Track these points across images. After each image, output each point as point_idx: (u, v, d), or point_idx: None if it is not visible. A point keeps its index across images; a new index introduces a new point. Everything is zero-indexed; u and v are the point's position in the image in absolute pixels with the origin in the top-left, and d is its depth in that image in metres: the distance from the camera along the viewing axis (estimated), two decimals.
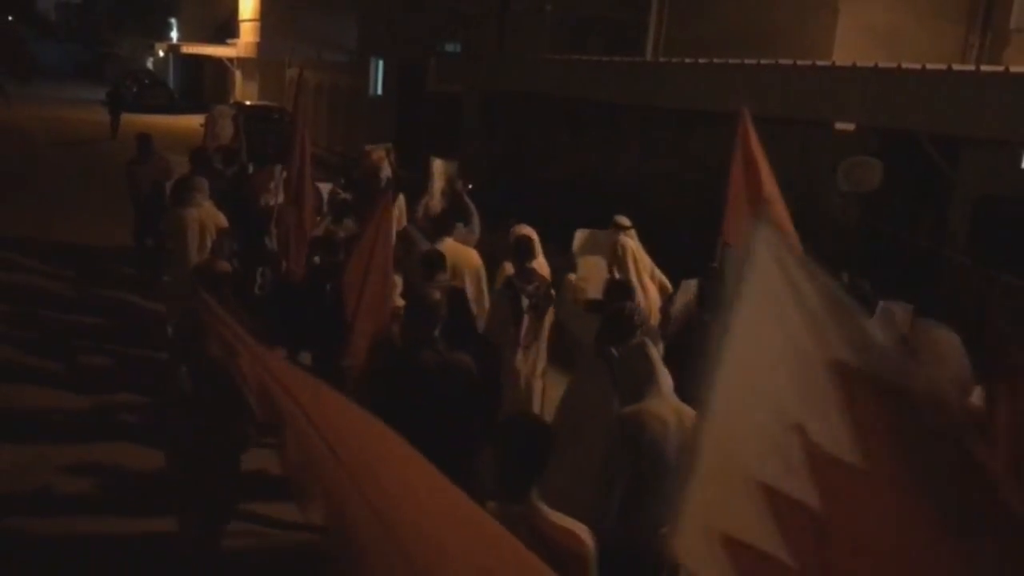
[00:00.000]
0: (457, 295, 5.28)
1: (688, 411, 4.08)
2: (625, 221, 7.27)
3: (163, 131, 22.07)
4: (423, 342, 4.82)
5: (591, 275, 6.72)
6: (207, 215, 7.89)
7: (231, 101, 33.69)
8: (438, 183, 10.07)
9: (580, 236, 7.46)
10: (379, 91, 29.04)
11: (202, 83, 45.42)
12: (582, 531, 3.13)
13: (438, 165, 10.41)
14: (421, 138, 22.45)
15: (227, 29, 43.77)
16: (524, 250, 6.17)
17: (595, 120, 16.30)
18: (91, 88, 46.65)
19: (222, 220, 7.93)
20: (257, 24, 39.15)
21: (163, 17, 52.60)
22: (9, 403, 7.51)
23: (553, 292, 6.14)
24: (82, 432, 7.14)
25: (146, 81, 43.40)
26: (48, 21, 45.03)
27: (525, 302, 5.73)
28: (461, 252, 6.82)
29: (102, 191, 14.66)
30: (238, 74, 41.29)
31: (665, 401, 4.18)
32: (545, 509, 3.10)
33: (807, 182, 11.71)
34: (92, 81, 53.15)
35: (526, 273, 5.99)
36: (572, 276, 6.68)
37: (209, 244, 7.42)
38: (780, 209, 6.06)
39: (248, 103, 31.83)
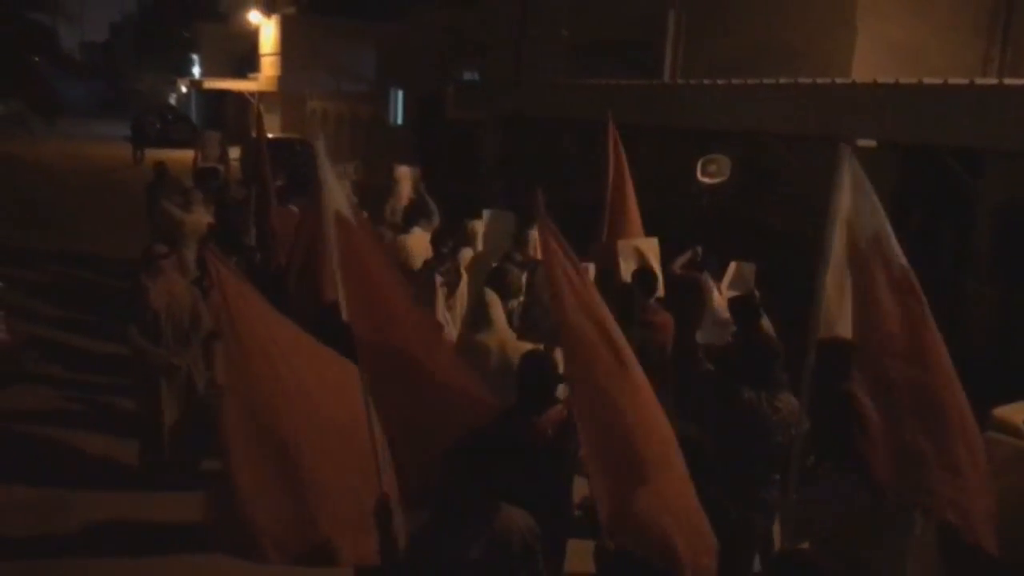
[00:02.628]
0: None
1: (515, 344, 5.61)
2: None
3: (187, 164, 22.35)
4: None
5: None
6: (198, 219, 10.29)
7: (252, 134, 34.00)
8: (404, 186, 11.55)
9: (487, 215, 8.98)
10: (399, 120, 29.28)
11: (224, 117, 45.91)
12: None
13: (403, 171, 11.87)
14: (441, 165, 22.57)
15: (248, 63, 44.31)
16: (442, 242, 8.17)
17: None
18: (115, 124, 47.28)
19: (207, 220, 10.20)
20: (278, 58, 39.62)
21: (185, 53, 53.37)
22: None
23: (463, 273, 7.94)
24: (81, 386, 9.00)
25: (169, 116, 43.91)
26: (73, 60, 45.79)
27: (439, 279, 7.42)
28: (419, 241, 8.68)
29: (126, 209, 16.70)
30: (259, 107, 41.75)
31: (494, 334, 5.74)
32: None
33: (829, 197, 11.64)
34: (116, 117, 53.88)
35: (442, 258, 7.86)
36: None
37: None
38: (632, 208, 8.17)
39: (270, 136, 32.15)
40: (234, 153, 26.76)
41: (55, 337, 10.40)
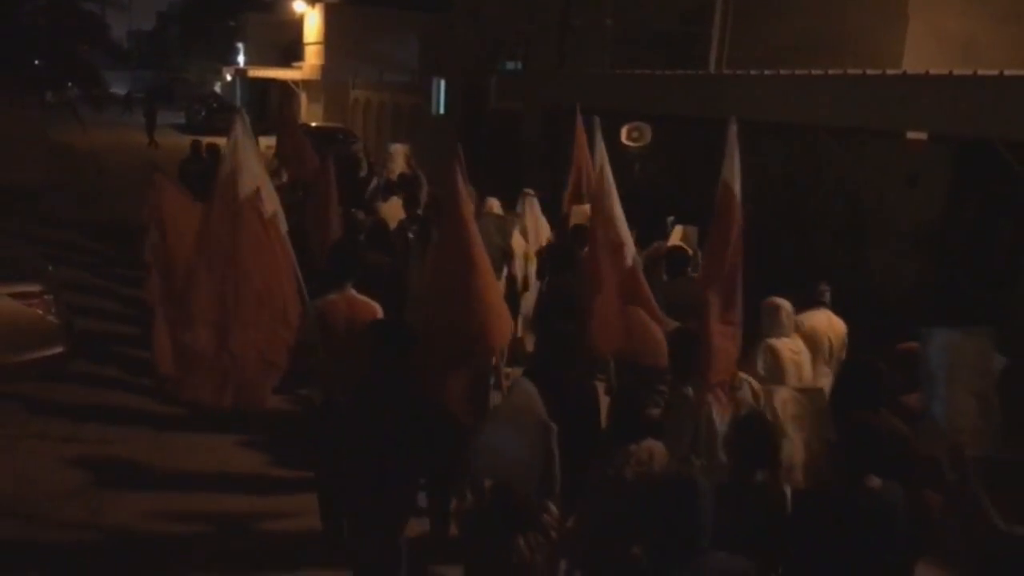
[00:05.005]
0: (380, 227, 8.65)
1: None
2: (529, 191, 10.18)
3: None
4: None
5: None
6: None
7: (298, 123, 34.19)
8: (398, 161, 12.70)
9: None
10: (441, 110, 29.30)
11: (268, 105, 46.31)
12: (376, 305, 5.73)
13: (397, 148, 12.94)
14: (484, 155, 22.57)
15: (292, 52, 44.64)
16: (412, 203, 9.80)
17: (660, 134, 16.19)
18: (160, 113, 47.88)
19: None
20: (321, 47, 39.86)
21: (230, 42, 53.87)
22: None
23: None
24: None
25: (214, 105, 44.17)
26: (121, 49, 46.52)
27: (411, 236, 8.86)
28: (394, 208, 10.24)
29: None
30: (303, 96, 42.06)
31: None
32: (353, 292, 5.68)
33: (879, 191, 11.47)
34: (162, 106, 54.55)
35: (413, 219, 9.33)
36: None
37: None
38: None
39: (313, 124, 32.35)
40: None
41: (98, 286, 12.33)
